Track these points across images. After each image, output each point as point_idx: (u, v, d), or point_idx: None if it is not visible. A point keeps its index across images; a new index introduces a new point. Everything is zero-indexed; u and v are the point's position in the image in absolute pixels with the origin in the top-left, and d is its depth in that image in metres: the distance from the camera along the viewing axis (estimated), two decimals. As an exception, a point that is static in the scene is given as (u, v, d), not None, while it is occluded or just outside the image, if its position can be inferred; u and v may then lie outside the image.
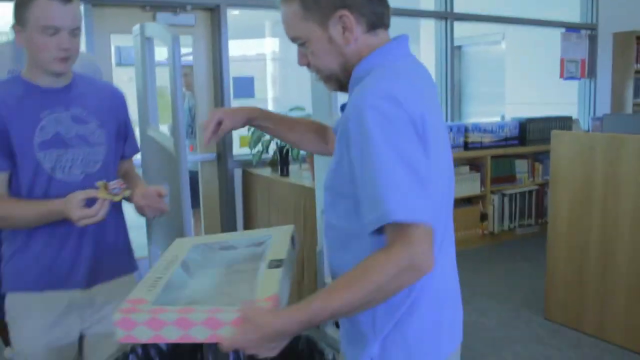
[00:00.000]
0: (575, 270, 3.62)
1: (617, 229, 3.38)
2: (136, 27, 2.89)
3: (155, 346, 1.64)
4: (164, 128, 4.02)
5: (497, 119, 6.09)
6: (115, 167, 1.98)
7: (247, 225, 4.76)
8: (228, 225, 4.74)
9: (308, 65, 1.37)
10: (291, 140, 1.77)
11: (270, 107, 9.16)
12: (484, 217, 5.54)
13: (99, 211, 1.67)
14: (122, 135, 1.99)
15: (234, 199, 4.74)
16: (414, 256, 1.11)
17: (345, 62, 1.32)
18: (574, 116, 6.26)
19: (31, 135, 1.76)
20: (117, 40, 4.44)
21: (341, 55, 1.31)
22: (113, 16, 4.28)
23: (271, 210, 4.40)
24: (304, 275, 3.96)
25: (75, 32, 1.74)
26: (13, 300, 1.85)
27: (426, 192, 1.14)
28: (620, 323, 3.41)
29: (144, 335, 1.24)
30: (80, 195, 1.67)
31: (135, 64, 2.99)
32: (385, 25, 1.34)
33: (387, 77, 1.22)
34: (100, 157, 1.87)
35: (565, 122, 5.90)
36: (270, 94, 9.37)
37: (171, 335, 1.23)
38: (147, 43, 2.81)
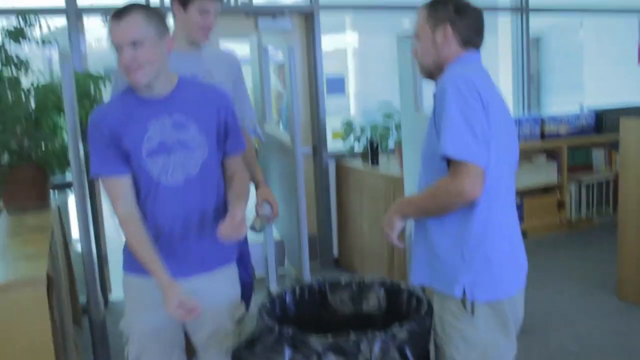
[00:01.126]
0: (646, 252, 3.91)
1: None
2: (253, 37, 3.39)
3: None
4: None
5: (576, 109, 6.29)
6: (218, 167, 2.09)
7: (341, 214, 5.24)
8: (323, 213, 5.24)
9: (416, 55, 1.98)
10: None
11: (352, 102, 9.55)
12: (561, 205, 5.78)
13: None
14: (222, 135, 2.06)
15: (329, 189, 5.21)
16: (459, 187, 1.67)
17: (437, 59, 1.91)
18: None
19: (140, 145, 1.93)
20: (225, 45, 5.00)
21: (436, 55, 1.90)
22: (220, 23, 4.82)
23: (363, 199, 4.86)
24: (394, 259, 4.40)
25: (136, 44, 1.83)
26: (127, 281, 2.15)
27: (478, 142, 1.68)
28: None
29: None
30: (181, 299, 1.89)
31: (252, 68, 3.49)
32: (476, 47, 1.92)
33: (464, 69, 1.81)
34: (200, 160, 1.99)
35: (642, 111, 6.04)
36: (351, 90, 9.72)
37: None
38: (263, 51, 3.32)
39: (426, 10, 1.92)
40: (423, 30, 1.92)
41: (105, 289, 4.37)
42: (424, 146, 1.91)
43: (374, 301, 2.18)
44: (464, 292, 1.79)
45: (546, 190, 5.77)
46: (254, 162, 2.66)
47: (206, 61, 2.50)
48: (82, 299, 3.91)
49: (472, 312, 1.79)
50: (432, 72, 1.94)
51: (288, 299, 2.13)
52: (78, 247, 4.31)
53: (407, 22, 8.65)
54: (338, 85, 5.61)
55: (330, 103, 5.39)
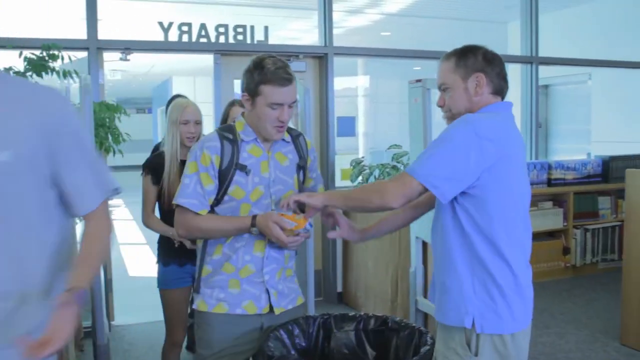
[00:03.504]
0: (650, 299, 3.92)
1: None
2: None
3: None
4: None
5: (584, 156, 6.38)
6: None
7: (345, 250, 5.28)
8: (328, 249, 5.28)
9: (442, 105, 2.01)
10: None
11: (361, 142, 9.69)
12: (566, 250, 5.81)
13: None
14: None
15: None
16: (386, 186, 1.84)
17: (470, 108, 1.93)
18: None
19: None
20: (239, 85, 5.13)
21: (469, 102, 1.93)
22: (237, 64, 4.99)
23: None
24: (398, 294, 4.43)
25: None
26: None
27: (438, 173, 1.77)
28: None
29: None
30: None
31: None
32: (502, 96, 1.98)
33: (484, 116, 1.85)
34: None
35: (649, 161, 6.12)
36: (361, 130, 9.90)
37: None
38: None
39: (454, 59, 1.94)
40: (452, 80, 1.94)
41: (108, 314, 4.41)
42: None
43: (376, 337, 2.21)
44: (473, 324, 1.82)
45: (552, 235, 5.81)
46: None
47: None
48: (84, 323, 3.96)
49: (476, 353, 1.82)
50: None
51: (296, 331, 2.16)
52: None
53: (418, 68, 8.84)
54: (348, 125, 5.72)
55: (339, 142, 5.50)
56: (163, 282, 2.99)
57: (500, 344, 1.84)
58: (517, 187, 1.88)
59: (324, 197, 2.01)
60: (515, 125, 1.97)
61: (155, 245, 3.08)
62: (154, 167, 2.93)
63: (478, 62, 1.92)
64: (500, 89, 1.95)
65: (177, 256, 2.92)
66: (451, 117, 1.98)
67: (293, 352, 2.08)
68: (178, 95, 3.48)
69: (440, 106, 2.02)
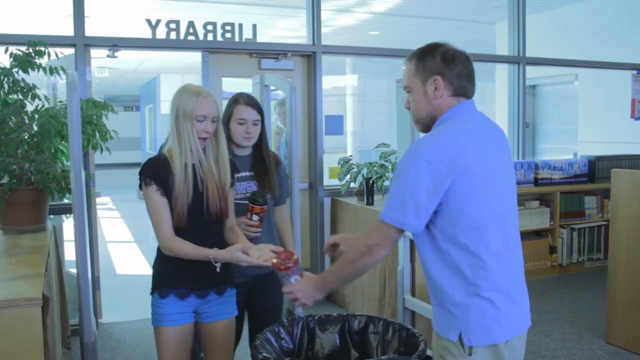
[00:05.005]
0: (635, 297, 3.95)
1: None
2: (256, 76, 3.50)
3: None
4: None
5: (570, 156, 6.42)
6: None
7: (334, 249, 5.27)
8: (316, 247, 5.29)
9: (409, 108, 1.97)
10: None
11: (349, 141, 9.70)
12: (553, 249, 5.86)
13: None
14: None
15: (323, 223, 5.29)
16: (370, 240, 1.84)
17: (431, 111, 1.90)
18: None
19: None
20: (227, 83, 5.13)
21: (430, 106, 1.89)
22: (225, 62, 4.98)
23: (357, 234, 4.90)
24: (386, 293, 4.44)
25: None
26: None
27: (406, 210, 1.76)
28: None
29: None
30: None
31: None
32: (467, 96, 1.92)
33: (430, 139, 1.83)
34: None
35: (634, 161, 6.18)
36: (349, 129, 9.91)
37: None
38: (265, 89, 3.42)
39: (414, 62, 1.90)
40: (413, 83, 1.91)
41: (96, 311, 4.39)
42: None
43: (371, 338, 2.21)
44: (460, 337, 1.80)
45: (538, 234, 5.86)
46: None
47: None
48: (72, 321, 3.94)
49: (470, 353, 1.80)
50: (428, 125, 1.93)
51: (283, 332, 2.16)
52: (70, 269, 4.37)
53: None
54: (336, 124, 5.72)
55: (327, 141, 5.50)
56: (157, 318, 2.38)
57: (494, 350, 1.81)
58: (492, 189, 1.82)
59: (319, 292, 2.00)
60: (484, 124, 1.92)
61: (143, 244, 3.03)
62: (158, 174, 2.29)
63: (436, 63, 1.86)
64: (461, 90, 1.89)
65: (179, 285, 2.36)
66: (416, 121, 1.97)
67: (278, 354, 2.08)
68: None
69: (407, 109, 1.99)
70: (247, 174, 2.71)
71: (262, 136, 2.73)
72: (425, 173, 1.74)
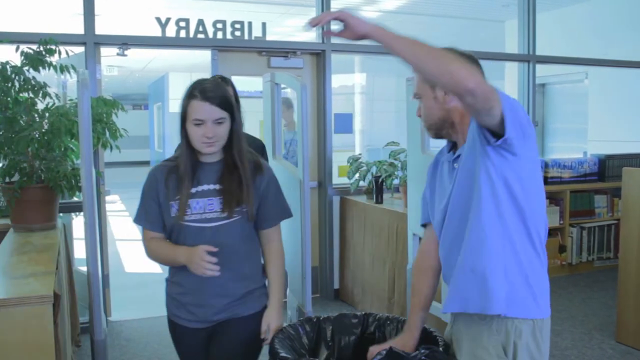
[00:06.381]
0: (646, 297, 3.93)
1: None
2: (267, 75, 3.48)
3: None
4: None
5: (580, 155, 6.39)
6: None
7: (343, 247, 5.28)
8: (326, 245, 5.28)
9: (420, 116, 1.93)
10: None
11: (357, 139, 9.67)
12: (562, 248, 5.84)
13: None
14: None
15: (332, 222, 5.28)
16: (467, 73, 1.56)
17: (446, 116, 1.86)
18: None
19: None
20: (236, 81, 5.13)
21: (443, 111, 1.86)
22: (234, 60, 4.99)
23: (366, 232, 4.91)
24: (395, 292, 4.43)
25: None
26: None
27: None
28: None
29: None
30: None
31: (264, 104, 3.57)
32: None
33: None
34: None
35: (644, 160, 6.15)
36: (357, 127, 9.88)
37: None
38: (276, 88, 3.41)
39: None
40: (423, 89, 1.87)
41: (105, 309, 4.41)
42: (454, 197, 1.85)
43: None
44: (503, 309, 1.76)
45: (548, 233, 5.79)
46: None
47: None
48: (81, 319, 3.96)
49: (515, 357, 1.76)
50: (440, 130, 1.90)
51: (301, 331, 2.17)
52: (79, 267, 4.39)
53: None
54: (346, 122, 5.71)
55: (337, 139, 5.50)
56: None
57: (536, 328, 1.79)
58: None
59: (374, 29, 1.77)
60: None
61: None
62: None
63: None
64: None
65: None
66: (428, 127, 1.92)
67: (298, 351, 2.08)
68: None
69: (418, 116, 1.94)
70: (211, 187, 2.14)
71: (233, 137, 2.11)
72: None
